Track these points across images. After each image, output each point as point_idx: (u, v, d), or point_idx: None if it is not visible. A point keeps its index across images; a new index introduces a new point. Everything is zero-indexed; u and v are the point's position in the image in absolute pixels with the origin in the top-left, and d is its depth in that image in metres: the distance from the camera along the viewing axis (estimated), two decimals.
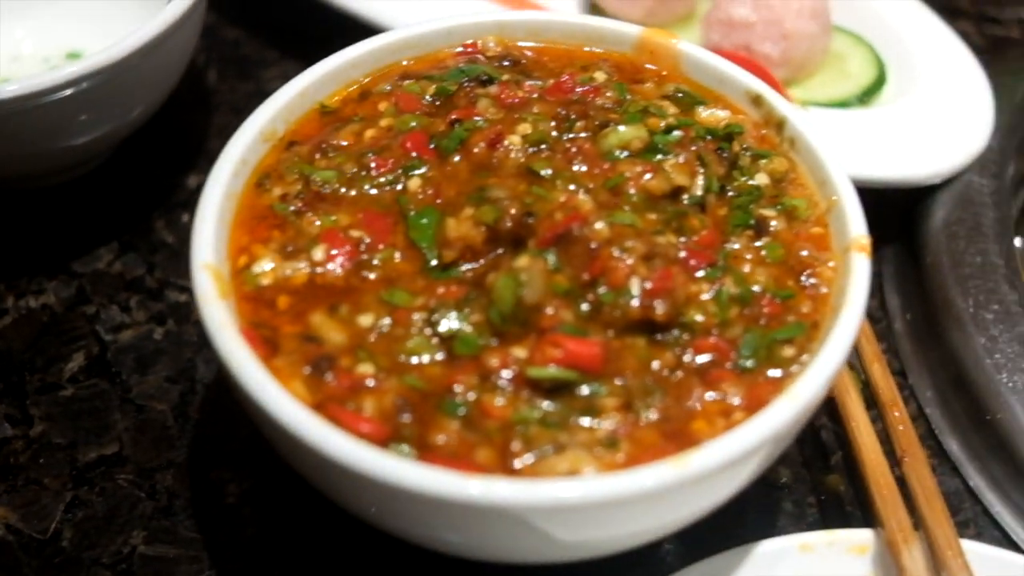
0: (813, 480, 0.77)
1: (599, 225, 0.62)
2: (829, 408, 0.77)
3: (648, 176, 0.66)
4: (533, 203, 0.64)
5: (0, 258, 0.88)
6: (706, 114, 0.73)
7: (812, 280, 0.65)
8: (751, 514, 0.73)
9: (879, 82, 1.00)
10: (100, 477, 0.75)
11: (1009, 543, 0.74)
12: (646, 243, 0.62)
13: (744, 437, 0.55)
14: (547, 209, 0.63)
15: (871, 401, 0.76)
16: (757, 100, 0.73)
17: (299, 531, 0.73)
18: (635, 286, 0.60)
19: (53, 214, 0.91)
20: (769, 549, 0.67)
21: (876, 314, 0.89)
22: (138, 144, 0.95)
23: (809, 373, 0.58)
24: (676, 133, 0.69)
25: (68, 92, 0.79)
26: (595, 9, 1.05)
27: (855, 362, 0.79)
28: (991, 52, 1.11)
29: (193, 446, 0.77)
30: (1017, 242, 0.97)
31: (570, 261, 0.62)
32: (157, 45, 0.82)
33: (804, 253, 0.66)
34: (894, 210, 0.93)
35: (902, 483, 0.70)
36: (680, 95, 0.74)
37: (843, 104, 0.98)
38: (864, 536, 0.68)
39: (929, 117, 0.95)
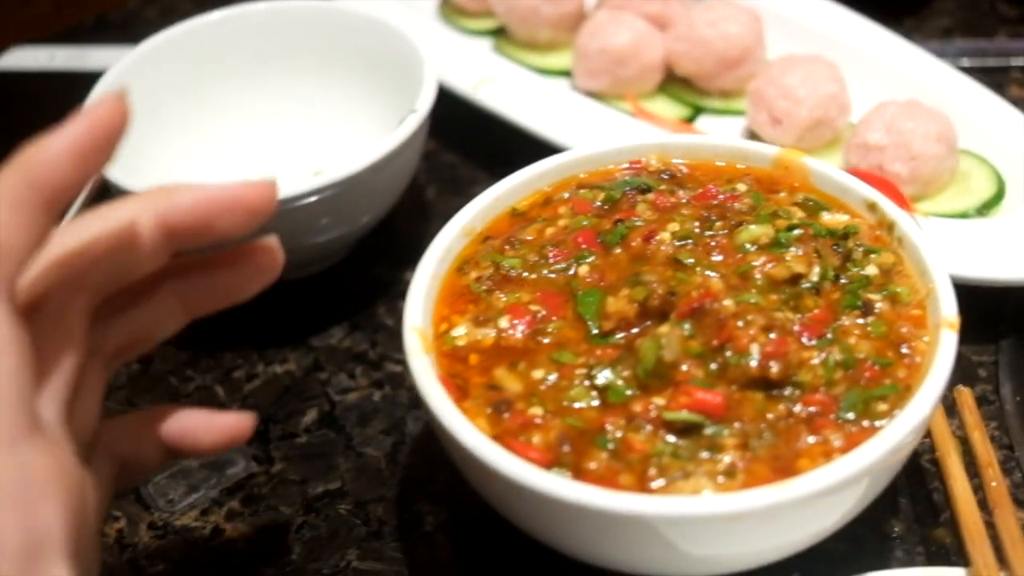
0: (923, 534, 0.87)
1: (727, 302, 0.76)
2: (940, 474, 0.88)
3: (771, 265, 0.80)
4: (676, 285, 0.79)
5: (255, 334, 1.07)
6: (828, 218, 0.87)
7: (908, 351, 0.77)
8: (866, 558, 0.84)
9: (998, 197, 1.11)
10: (325, 507, 0.92)
11: None
12: (766, 317, 0.76)
13: (838, 470, 0.68)
14: (687, 289, 0.78)
15: (972, 465, 0.87)
16: (872, 207, 0.86)
17: (485, 556, 0.88)
18: (755, 350, 0.74)
19: (299, 300, 1.10)
20: None
21: (990, 397, 0.99)
22: (368, 246, 1.14)
23: (897, 421, 0.70)
24: (797, 232, 0.83)
25: (313, 199, 0.96)
26: (752, 135, 1.19)
27: (957, 430, 0.90)
28: None
29: (400, 485, 0.93)
30: None
31: (702, 330, 0.76)
32: (383, 165, 0.99)
33: (904, 330, 0.79)
34: (1012, 308, 1.04)
35: (993, 530, 0.81)
36: (809, 202, 0.88)
37: (963, 215, 1.09)
38: (956, 573, 0.79)
39: None
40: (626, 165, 0.93)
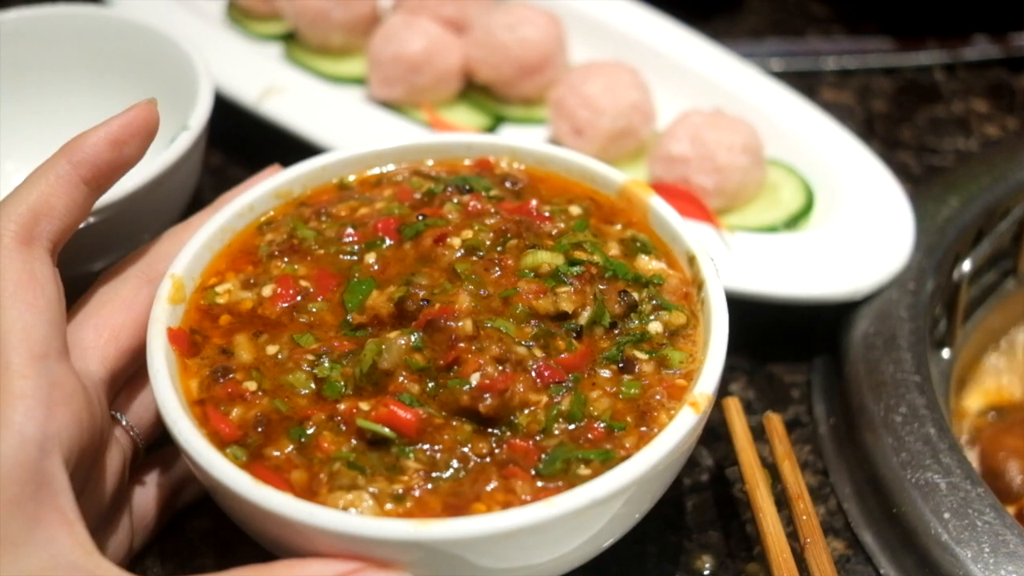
0: (735, 568, 0.85)
1: (463, 322, 0.73)
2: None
3: (537, 296, 0.76)
4: (437, 294, 0.76)
5: None
6: (644, 260, 0.82)
7: (649, 421, 0.72)
8: None
9: (806, 209, 1.07)
10: None
11: None
12: (503, 348, 0.72)
13: (491, 522, 0.64)
14: (439, 300, 0.75)
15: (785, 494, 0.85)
16: (692, 260, 0.81)
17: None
18: (474, 379, 0.71)
19: None
20: None
21: (804, 419, 0.97)
22: None
23: (573, 491, 0.65)
24: (577, 268, 0.78)
25: (93, 219, 0.88)
26: (556, 144, 1.12)
27: (768, 460, 0.88)
28: (926, 180, 1.17)
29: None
30: (946, 353, 1.03)
31: (434, 346, 0.73)
32: (155, 187, 0.92)
33: (657, 397, 0.73)
34: (824, 325, 1.01)
35: (804, 564, 0.79)
36: (636, 242, 0.83)
37: (771, 229, 1.05)
38: None
39: (851, 240, 1.03)
40: (472, 162, 0.91)
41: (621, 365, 0.75)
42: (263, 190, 0.85)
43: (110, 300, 0.77)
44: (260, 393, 0.73)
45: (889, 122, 1.29)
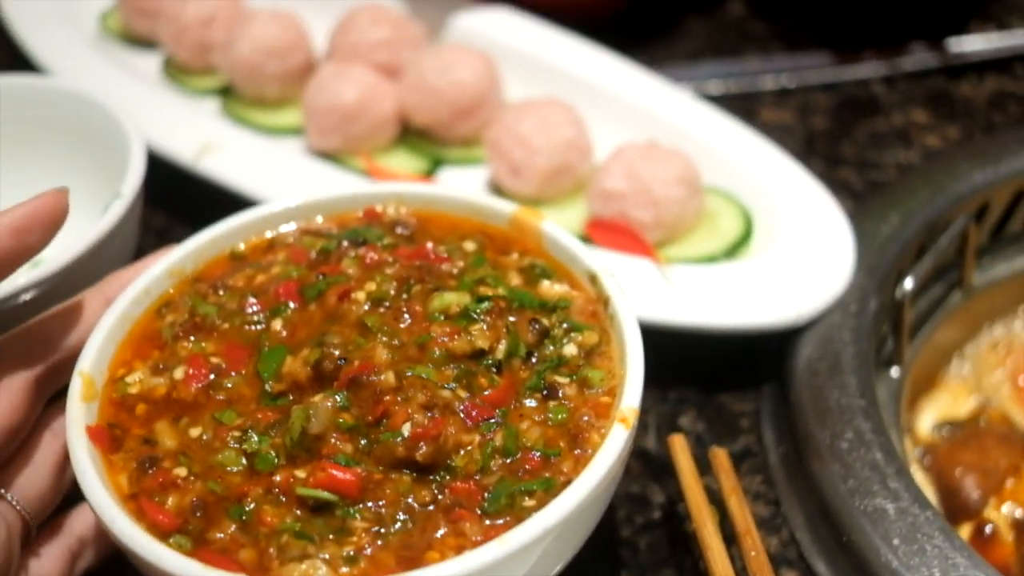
0: None
1: (385, 375, 0.73)
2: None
3: (452, 337, 0.76)
4: (352, 351, 0.75)
5: None
6: (547, 286, 0.83)
7: (581, 442, 0.73)
8: None
9: (745, 237, 1.09)
10: None
11: None
12: (428, 394, 0.72)
13: (450, 568, 0.64)
14: (356, 356, 0.75)
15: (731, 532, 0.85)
16: (593, 279, 0.82)
17: None
18: (406, 429, 0.71)
19: None
20: None
21: (754, 448, 0.97)
22: None
23: (524, 524, 0.66)
24: (486, 304, 0.78)
25: (23, 299, 0.89)
26: (495, 185, 1.16)
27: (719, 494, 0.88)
28: (868, 196, 1.18)
29: None
30: (895, 372, 1.04)
31: (359, 403, 0.73)
32: (92, 256, 0.92)
33: (585, 419, 0.74)
34: (770, 352, 1.02)
35: None
36: (535, 268, 0.84)
37: (711, 259, 1.06)
38: None
39: (789, 266, 1.04)
40: (362, 214, 0.90)
41: (545, 392, 0.76)
42: (157, 272, 0.84)
43: None
44: (192, 477, 0.72)
45: (829, 139, 1.30)
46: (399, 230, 0.88)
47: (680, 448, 0.90)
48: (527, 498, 0.70)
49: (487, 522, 0.69)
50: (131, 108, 1.06)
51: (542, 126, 1.11)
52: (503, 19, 1.35)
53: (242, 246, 0.88)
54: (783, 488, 0.94)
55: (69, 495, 0.81)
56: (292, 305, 0.81)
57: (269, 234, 0.89)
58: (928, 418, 1.09)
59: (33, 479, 0.79)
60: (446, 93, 1.18)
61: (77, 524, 0.82)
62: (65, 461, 0.79)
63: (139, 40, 1.39)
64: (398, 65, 1.25)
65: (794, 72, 1.38)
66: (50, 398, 0.81)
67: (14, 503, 0.77)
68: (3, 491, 0.77)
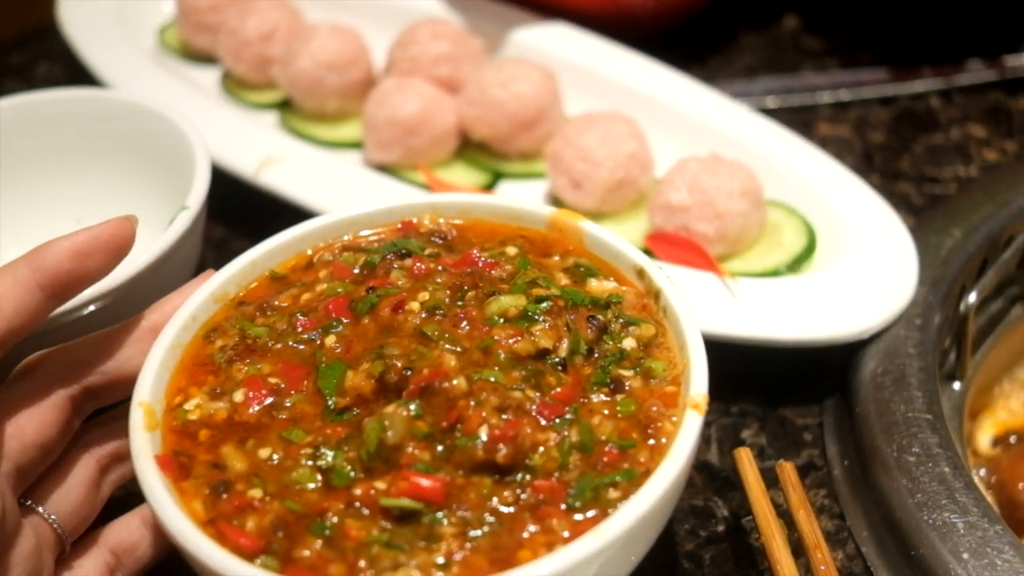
0: None
1: (457, 381, 0.73)
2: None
3: (515, 339, 0.77)
4: (416, 360, 0.75)
5: None
6: (595, 284, 0.83)
7: (654, 432, 0.74)
8: None
9: (808, 251, 1.08)
10: None
11: None
12: (500, 397, 0.72)
13: (550, 563, 0.64)
14: (422, 366, 0.74)
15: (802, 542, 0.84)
16: (641, 273, 0.83)
17: None
18: (483, 432, 0.71)
19: None
20: None
21: (818, 462, 0.97)
22: None
23: (616, 514, 0.67)
24: (545, 304, 0.79)
25: (90, 309, 0.89)
26: (555, 199, 1.16)
27: (783, 507, 0.88)
28: (927, 210, 1.18)
29: None
30: (957, 386, 1.04)
31: (432, 410, 0.73)
32: (157, 267, 0.92)
33: (653, 409, 0.75)
34: (833, 366, 1.02)
35: None
36: (580, 268, 0.85)
37: (775, 273, 1.06)
38: None
39: (854, 279, 1.03)
40: (399, 226, 0.90)
41: (611, 386, 0.77)
42: (201, 297, 0.83)
43: None
44: (267, 498, 0.72)
45: (888, 153, 1.30)
46: (436, 239, 0.88)
47: (747, 461, 0.89)
48: (611, 490, 0.71)
49: (576, 517, 0.70)
50: (191, 122, 1.07)
51: (605, 139, 1.11)
52: (561, 33, 1.35)
53: (280, 268, 0.88)
54: (847, 502, 0.93)
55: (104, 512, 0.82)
56: (344, 320, 0.81)
57: (309, 251, 0.89)
58: (989, 431, 1.10)
59: (67, 495, 0.79)
60: (507, 106, 1.18)
61: (112, 540, 0.81)
62: (100, 478, 0.80)
63: (197, 55, 1.40)
64: (458, 79, 1.25)
65: (850, 87, 1.38)
66: (87, 417, 0.81)
67: (48, 518, 0.77)
68: (37, 505, 0.77)
